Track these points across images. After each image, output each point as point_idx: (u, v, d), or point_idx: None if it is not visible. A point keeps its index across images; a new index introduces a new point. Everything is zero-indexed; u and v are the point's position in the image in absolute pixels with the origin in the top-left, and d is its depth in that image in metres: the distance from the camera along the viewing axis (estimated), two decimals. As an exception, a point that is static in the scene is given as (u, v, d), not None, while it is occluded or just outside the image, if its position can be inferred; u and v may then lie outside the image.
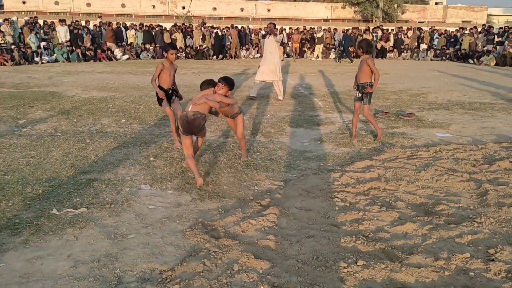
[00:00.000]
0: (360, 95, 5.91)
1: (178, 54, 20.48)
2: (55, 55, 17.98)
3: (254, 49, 22.02)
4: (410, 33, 24.55)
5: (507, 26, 22.12)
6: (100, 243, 3.07)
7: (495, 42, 21.09)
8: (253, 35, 22.95)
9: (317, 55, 22.48)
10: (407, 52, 23.56)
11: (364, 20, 44.96)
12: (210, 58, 20.70)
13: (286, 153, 5.47)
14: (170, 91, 5.55)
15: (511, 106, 8.81)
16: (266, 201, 3.84)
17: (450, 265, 2.71)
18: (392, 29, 26.14)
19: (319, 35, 22.60)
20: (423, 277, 2.59)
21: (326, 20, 45.75)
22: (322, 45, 22.60)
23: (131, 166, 4.80)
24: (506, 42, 20.08)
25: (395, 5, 44.55)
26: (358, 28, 25.50)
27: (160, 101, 5.55)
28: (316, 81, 12.96)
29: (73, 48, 18.46)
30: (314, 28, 24.32)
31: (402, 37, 24.32)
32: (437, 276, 2.60)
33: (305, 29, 24.44)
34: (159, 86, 5.48)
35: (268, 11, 48.91)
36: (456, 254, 2.81)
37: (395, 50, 23.53)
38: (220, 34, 21.60)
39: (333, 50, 22.54)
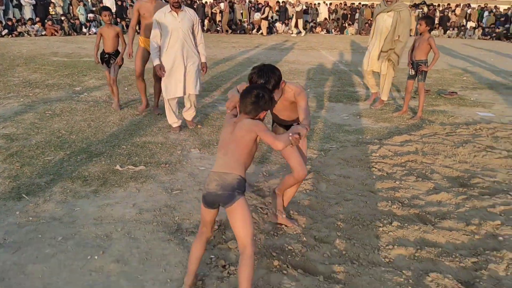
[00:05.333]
0: (413, 72, 5.97)
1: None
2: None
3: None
4: (458, 10, 23.61)
5: None
6: (159, 196, 3.46)
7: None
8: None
9: (299, 31, 20.90)
10: (453, 29, 22.74)
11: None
12: (249, 32, 20.92)
13: (325, 126, 5.68)
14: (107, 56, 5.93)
15: (559, 88, 8.56)
16: (307, 168, 4.10)
17: (480, 230, 2.91)
18: (438, 5, 25.16)
19: (297, 8, 21.06)
20: (454, 239, 2.81)
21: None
22: (302, 19, 21.28)
23: (181, 132, 5.16)
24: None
25: (443, -20, 42.63)
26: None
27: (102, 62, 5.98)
28: (357, 57, 12.90)
29: (118, 20, 19.03)
30: (354, 4, 23.82)
31: (449, 14, 23.43)
32: (467, 239, 2.81)
33: (345, 4, 23.93)
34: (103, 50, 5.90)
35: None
36: (488, 221, 3.00)
37: (440, 27, 22.76)
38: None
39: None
